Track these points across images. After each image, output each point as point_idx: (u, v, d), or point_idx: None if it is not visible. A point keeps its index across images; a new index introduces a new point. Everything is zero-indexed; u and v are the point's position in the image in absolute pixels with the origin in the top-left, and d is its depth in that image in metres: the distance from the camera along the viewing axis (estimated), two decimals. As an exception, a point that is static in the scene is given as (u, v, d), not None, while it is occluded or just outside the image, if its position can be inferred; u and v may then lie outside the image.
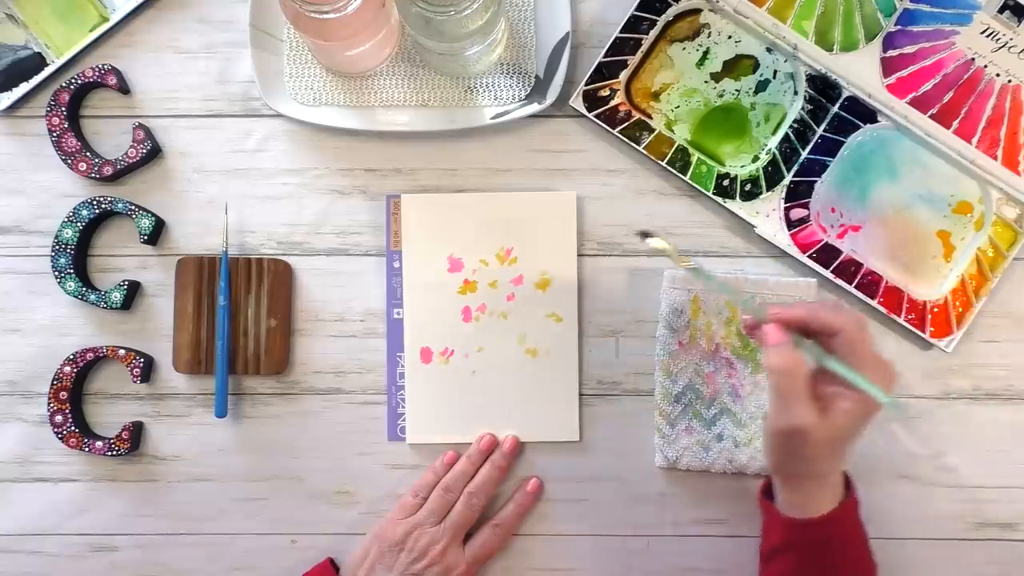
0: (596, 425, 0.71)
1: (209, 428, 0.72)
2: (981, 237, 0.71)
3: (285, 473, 0.72)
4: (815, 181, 0.71)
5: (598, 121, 0.71)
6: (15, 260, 0.72)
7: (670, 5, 0.71)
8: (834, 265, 0.70)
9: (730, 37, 0.72)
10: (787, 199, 0.71)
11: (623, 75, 0.71)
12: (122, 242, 0.72)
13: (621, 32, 0.71)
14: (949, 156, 0.70)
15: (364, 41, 0.66)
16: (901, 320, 0.70)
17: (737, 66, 0.72)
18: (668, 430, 0.70)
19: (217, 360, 0.70)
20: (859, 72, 0.70)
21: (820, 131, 0.71)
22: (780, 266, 0.72)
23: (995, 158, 0.70)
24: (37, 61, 0.72)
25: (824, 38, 0.70)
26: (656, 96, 0.72)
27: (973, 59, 0.70)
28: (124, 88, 0.72)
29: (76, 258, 0.71)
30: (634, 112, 0.71)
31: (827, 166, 0.71)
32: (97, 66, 0.71)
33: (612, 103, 0.71)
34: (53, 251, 0.70)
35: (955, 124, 0.70)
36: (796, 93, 0.71)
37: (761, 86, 0.72)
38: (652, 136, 0.71)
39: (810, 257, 0.70)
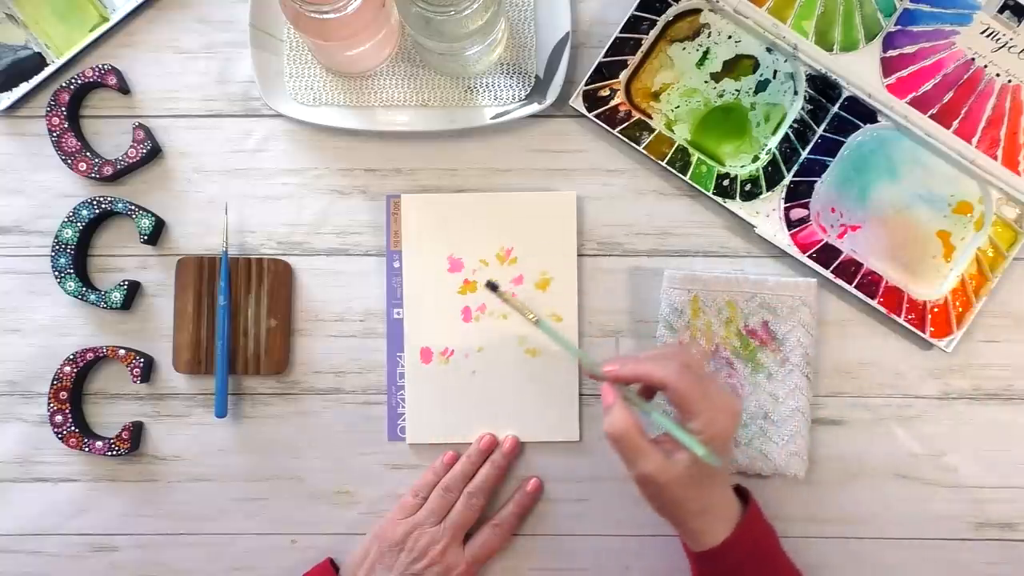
0: (596, 425, 0.71)
1: (209, 428, 0.72)
2: (981, 237, 0.71)
3: (285, 473, 0.72)
4: (815, 181, 0.71)
5: (598, 121, 0.71)
6: (15, 260, 0.72)
7: (670, 5, 0.71)
8: (834, 265, 0.70)
9: (730, 37, 0.72)
10: (787, 199, 0.71)
11: (623, 75, 0.71)
12: (122, 242, 0.73)
13: (621, 32, 0.71)
14: (949, 156, 0.70)
15: (364, 41, 0.66)
16: (901, 320, 0.70)
17: (737, 66, 0.72)
18: (668, 430, 0.70)
19: (217, 360, 0.70)
20: (859, 72, 0.70)
21: (820, 131, 0.71)
22: (780, 266, 0.72)
23: (995, 158, 0.70)
24: (37, 61, 0.72)
25: (824, 38, 0.70)
26: (656, 96, 0.72)
27: (973, 59, 0.70)
28: (124, 88, 0.72)
29: (76, 258, 0.71)
30: (634, 112, 0.71)
31: (827, 166, 0.71)
32: (97, 66, 0.71)
33: (612, 103, 0.71)
34: (53, 251, 0.70)
35: (955, 124, 0.70)
36: (796, 93, 0.71)
37: (761, 86, 0.72)
38: (652, 136, 0.71)
39: (810, 257, 0.70)
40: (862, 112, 0.71)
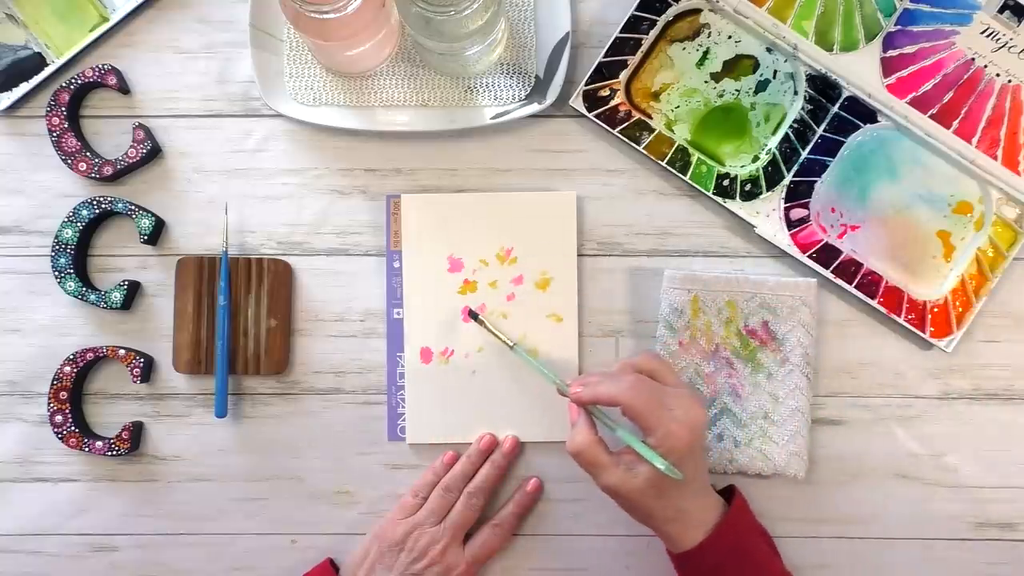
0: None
1: (209, 428, 0.72)
2: (981, 237, 0.71)
3: (285, 473, 0.72)
4: (815, 181, 0.71)
5: (598, 121, 0.71)
6: (15, 260, 0.72)
7: (670, 5, 0.71)
8: (834, 265, 0.70)
9: (730, 37, 0.72)
10: (787, 199, 0.71)
11: (623, 75, 0.71)
12: (122, 242, 0.73)
13: (621, 32, 0.71)
14: (949, 156, 0.70)
15: (364, 41, 0.66)
16: (901, 320, 0.70)
17: (737, 66, 0.72)
18: (668, 430, 0.70)
19: (217, 360, 0.70)
20: (859, 72, 0.70)
21: (820, 131, 0.71)
22: (780, 266, 0.72)
23: (995, 158, 0.70)
24: (37, 61, 0.72)
25: (824, 38, 0.70)
26: (656, 96, 0.72)
27: (973, 59, 0.70)
28: (124, 88, 0.72)
29: (76, 258, 0.71)
30: (634, 112, 0.71)
31: (827, 166, 0.71)
32: (97, 66, 0.71)
33: (612, 103, 0.71)
34: (53, 251, 0.70)
35: (955, 124, 0.70)
36: (796, 93, 0.71)
37: (761, 86, 0.72)
38: (652, 136, 0.71)
39: (810, 257, 0.70)
40: (862, 112, 0.71)
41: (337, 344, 0.72)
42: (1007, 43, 0.69)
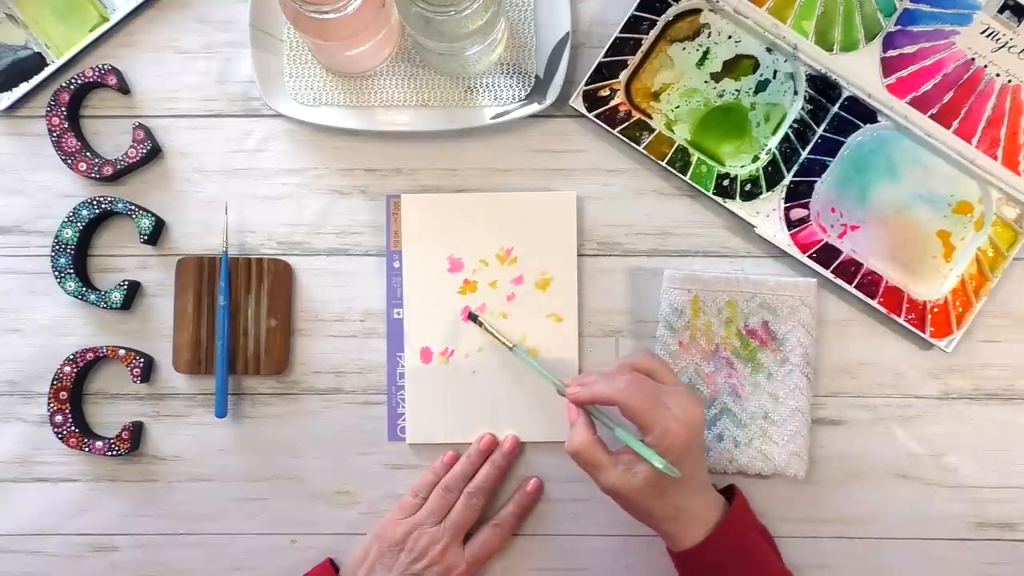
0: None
1: (209, 428, 0.72)
2: (981, 237, 0.71)
3: (285, 473, 0.72)
4: (815, 181, 0.71)
5: (598, 121, 0.71)
6: (15, 260, 0.72)
7: (670, 5, 0.71)
8: (834, 265, 0.70)
9: (730, 37, 0.72)
10: (787, 199, 0.71)
11: (623, 75, 0.71)
12: (122, 242, 0.73)
13: (621, 32, 0.71)
14: (949, 156, 0.70)
15: (364, 41, 0.66)
16: (901, 320, 0.70)
17: (737, 66, 0.72)
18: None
19: (217, 360, 0.70)
20: (859, 72, 0.70)
21: (820, 131, 0.71)
22: (780, 266, 0.72)
23: (995, 158, 0.70)
24: (37, 61, 0.72)
25: (824, 38, 0.70)
26: (656, 96, 0.72)
27: (973, 59, 0.70)
28: (124, 88, 0.72)
29: (76, 258, 0.71)
30: (634, 112, 0.71)
31: (827, 166, 0.71)
32: (97, 66, 0.71)
33: (612, 103, 0.71)
34: (53, 251, 0.70)
35: (955, 124, 0.70)
36: (796, 93, 0.71)
37: (761, 86, 0.72)
38: (652, 136, 0.71)
39: (810, 257, 0.70)
40: (862, 112, 0.71)
41: (337, 344, 0.72)
42: (1007, 43, 0.69)
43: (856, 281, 0.70)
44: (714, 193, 0.71)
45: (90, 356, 0.71)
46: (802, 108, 0.71)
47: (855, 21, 0.71)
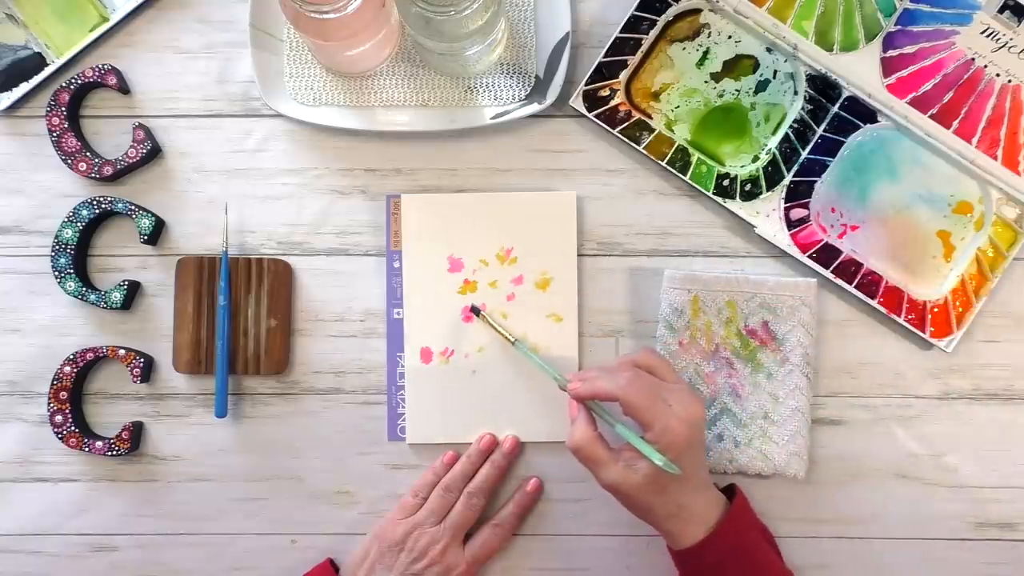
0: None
1: (209, 428, 0.72)
2: (981, 237, 0.71)
3: (285, 473, 0.72)
4: (815, 181, 0.71)
5: (598, 121, 0.71)
6: (15, 260, 0.72)
7: (670, 5, 0.71)
8: (834, 265, 0.70)
9: (730, 37, 0.72)
10: (787, 199, 0.71)
11: (623, 75, 0.71)
12: (122, 242, 0.73)
13: (621, 32, 0.71)
14: (949, 156, 0.70)
15: (364, 41, 0.66)
16: (901, 320, 0.70)
17: (737, 66, 0.72)
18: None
19: (217, 360, 0.70)
20: (859, 72, 0.70)
21: (820, 131, 0.71)
22: (780, 266, 0.72)
23: (995, 158, 0.70)
24: (37, 61, 0.72)
25: (824, 38, 0.70)
26: (656, 96, 0.72)
27: (973, 59, 0.70)
28: (124, 88, 0.72)
29: (76, 258, 0.71)
30: (634, 112, 0.71)
31: (827, 166, 0.71)
32: (97, 66, 0.71)
33: (612, 103, 0.71)
34: (53, 251, 0.70)
35: (955, 124, 0.70)
36: (796, 93, 0.71)
37: (761, 86, 0.72)
38: (652, 136, 0.71)
39: (810, 257, 0.70)
40: (862, 112, 0.71)
41: (337, 344, 0.72)
42: (1007, 43, 0.69)
43: (856, 281, 0.70)
44: (714, 193, 0.71)
45: (90, 356, 0.71)
46: (802, 108, 0.71)
47: (855, 21, 0.71)
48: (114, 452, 0.70)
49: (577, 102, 0.71)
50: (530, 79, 0.71)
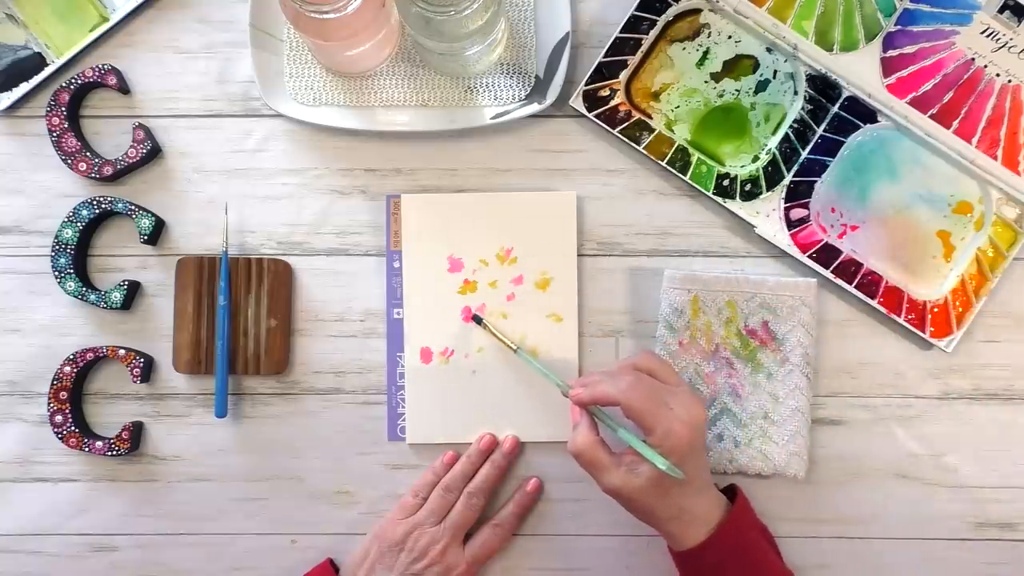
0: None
1: (209, 428, 0.72)
2: (981, 237, 0.71)
3: (285, 473, 0.72)
4: (815, 181, 0.71)
5: (598, 121, 0.71)
6: (15, 260, 0.72)
7: (670, 5, 0.71)
8: (834, 265, 0.70)
9: (730, 37, 0.72)
10: (787, 199, 0.71)
11: (623, 75, 0.71)
12: (122, 242, 0.73)
13: (621, 32, 0.71)
14: (949, 156, 0.70)
15: (364, 41, 0.66)
16: (901, 320, 0.70)
17: (737, 66, 0.72)
18: (668, 430, 0.70)
19: (217, 360, 0.70)
20: (859, 72, 0.70)
21: (820, 131, 0.71)
22: (780, 266, 0.72)
23: (995, 158, 0.70)
24: (37, 61, 0.72)
25: (824, 38, 0.70)
26: (656, 96, 0.72)
27: (973, 59, 0.70)
28: (124, 88, 0.72)
29: (76, 258, 0.71)
30: (634, 112, 0.71)
31: (827, 166, 0.71)
32: (97, 66, 0.71)
33: (612, 103, 0.71)
34: (53, 251, 0.70)
35: (955, 124, 0.70)
36: (796, 93, 0.71)
37: (761, 86, 0.72)
38: (652, 136, 0.71)
39: (810, 257, 0.70)
40: (862, 112, 0.71)
41: (337, 344, 0.72)
42: (1007, 43, 0.69)
43: (856, 281, 0.70)
44: (714, 193, 0.71)
45: (90, 356, 0.71)
46: (802, 108, 0.71)
47: (855, 21, 0.71)
48: (114, 452, 0.70)
49: (577, 102, 0.71)
50: (530, 79, 0.71)
